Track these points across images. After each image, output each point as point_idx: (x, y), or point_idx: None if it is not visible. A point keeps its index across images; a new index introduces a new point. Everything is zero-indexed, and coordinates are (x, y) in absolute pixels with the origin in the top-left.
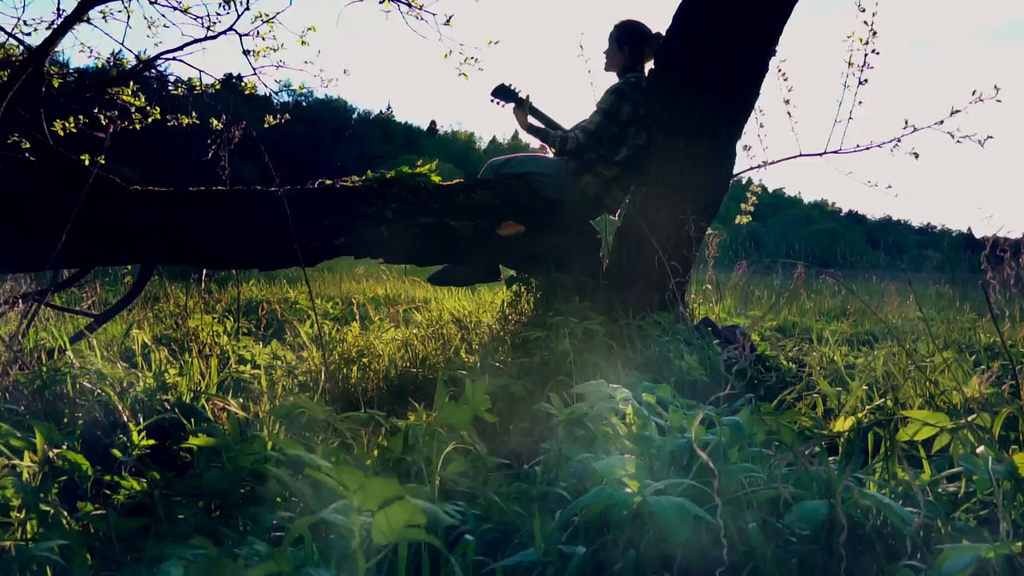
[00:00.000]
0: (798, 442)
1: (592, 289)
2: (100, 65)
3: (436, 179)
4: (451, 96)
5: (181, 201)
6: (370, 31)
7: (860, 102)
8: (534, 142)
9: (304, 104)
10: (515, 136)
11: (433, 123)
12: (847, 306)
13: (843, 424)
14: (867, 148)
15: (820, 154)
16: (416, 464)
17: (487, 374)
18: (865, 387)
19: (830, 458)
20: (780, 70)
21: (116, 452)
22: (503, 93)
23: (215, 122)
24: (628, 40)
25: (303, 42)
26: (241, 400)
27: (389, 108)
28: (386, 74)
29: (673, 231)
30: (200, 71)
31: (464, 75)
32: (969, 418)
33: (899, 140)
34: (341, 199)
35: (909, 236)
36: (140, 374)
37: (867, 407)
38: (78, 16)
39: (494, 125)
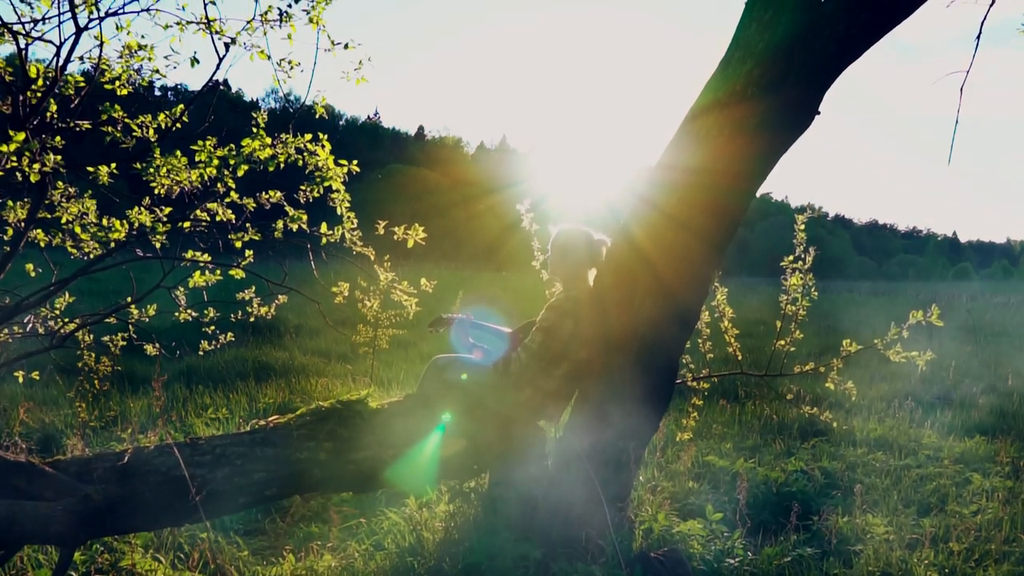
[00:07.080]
0: None
1: (531, 510)
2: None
3: (373, 405)
4: (439, 102)
5: (105, 473)
6: (355, 35)
7: (801, 336)
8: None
9: (290, 110)
10: (503, 141)
11: (421, 128)
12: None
13: None
14: (805, 372)
15: (761, 375)
16: None
17: None
18: None
19: None
20: (719, 297)
21: None
22: (441, 323)
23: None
24: (570, 251)
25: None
26: None
27: (376, 114)
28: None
29: (613, 456)
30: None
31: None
32: None
33: (841, 363)
34: (272, 445)
35: (895, 241)
36: None
37: None
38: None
39: (481, 131)
